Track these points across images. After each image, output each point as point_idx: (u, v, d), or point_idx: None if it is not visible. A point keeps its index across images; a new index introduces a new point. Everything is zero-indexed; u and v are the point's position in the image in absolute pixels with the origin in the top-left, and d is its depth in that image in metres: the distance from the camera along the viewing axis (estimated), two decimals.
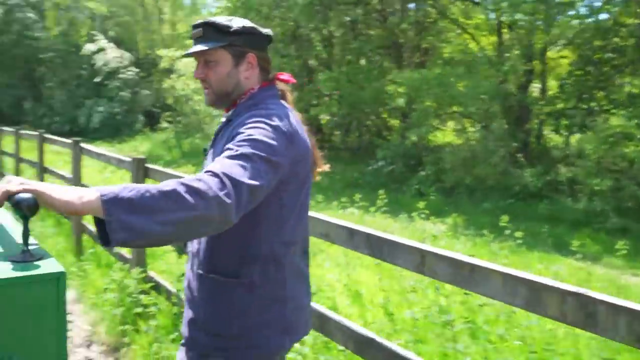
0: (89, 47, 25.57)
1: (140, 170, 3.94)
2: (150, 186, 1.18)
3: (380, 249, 2.07)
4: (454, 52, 15.34)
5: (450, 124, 14.90)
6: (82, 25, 28.58)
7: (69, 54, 27.27)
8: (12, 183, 1.14)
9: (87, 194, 1.14)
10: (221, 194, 1.21)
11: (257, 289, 1.55)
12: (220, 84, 1.63)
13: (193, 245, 1.67)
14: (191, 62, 18.97)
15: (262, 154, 1.38)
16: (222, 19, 1.62)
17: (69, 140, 5.80)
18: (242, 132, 1.44)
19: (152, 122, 24.98)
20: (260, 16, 16.09)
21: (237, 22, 1.63)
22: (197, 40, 1.63)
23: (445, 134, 15.11)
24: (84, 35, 27.24)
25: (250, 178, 1.30)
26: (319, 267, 4.55)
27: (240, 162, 1.32)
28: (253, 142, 1.39)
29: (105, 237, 1.16)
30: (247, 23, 1.64)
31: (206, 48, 1.58)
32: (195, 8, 31.13)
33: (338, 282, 4.23)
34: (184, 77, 19.07)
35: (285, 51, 16.71)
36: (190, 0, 31.66)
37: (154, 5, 29.46)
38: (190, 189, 1.18)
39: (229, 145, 1.40)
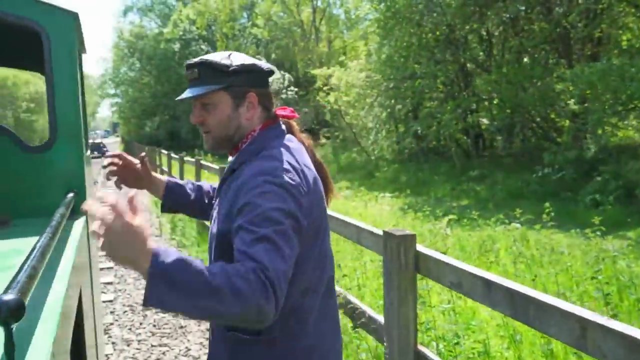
0: None
1: None
2: (202, 269, 1.16)
3: (525, 310, 1.60)
4: (634, 38, 13.45)
5: (630, 121, 13.03)
6: (247, 51, 30.66)
7: None
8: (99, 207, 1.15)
9: (141, 258, 1.14)
10: (263, 300, 1.17)
11: (277, 344, 1.47)
12: (221, 128, 1.52)
13: None
14: (343, 76, 19.16)
15: (284, 226, 1.30)
16: (219, 57, 1.51)
17: (216, 167, 5.98)
18: (252, 202, 1.32)
19: (312, 139, 25.77)
20: (412, 24, 15.70)
21: (236, 60, 1.51)
22: (193, 82, 1.51)
23: (624, 131, 13.26)
24: None
25: (284, 263, 1.26)
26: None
27: (269, 248, 1.25)
28: (269, 214, 1.30)
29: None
30: (247, 60, 1.53)
31: (203, 92, 1.47)
32: (351, 23, 31.68)
33: (492, 318, 3.68)
34: (336, 92, 19.32)
35: (441, 56, 16.05)
36: (345, 16, 32.33)
37: (310, 25, 30.57)
38: (235, 290, 1.16)
39: (246, 225, 1.29)
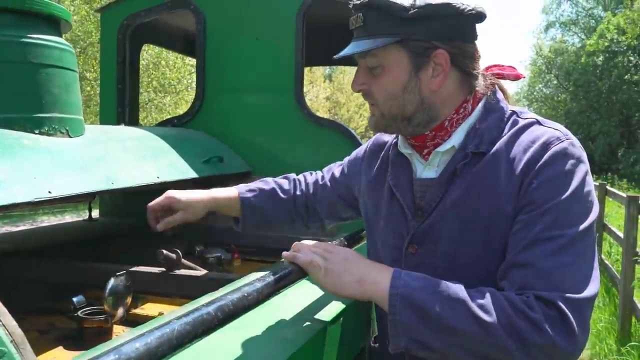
0: None
1: None
2: (461, 295, 0.90)
3: None
4: None
5: None
6: None
7: None
8: (303, 250, 1.10)
9: (373, 278, 0.99)
10: (559, 342, 0.84)
11: None
12: (392, 103, 1.08)
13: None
14: None
15: (591, 225, 0.95)
16: None
17: (623, 195, 4.66)
18: (551, 189, 0.96)
19: None
20: None
21: None
22: (357, 31, 1.08)
23: None
24: None
25: (595, 284, 0.91)
26: None
27: (575, 261, 0.89)
28: (575, 218, 0.93)
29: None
30: None
31: (365, 48, 1.04)
32: None
33: None
34: None
35: None
36: None
37: None
38: (514, 330, 0.85)
39: (542, 226, 0.93)
